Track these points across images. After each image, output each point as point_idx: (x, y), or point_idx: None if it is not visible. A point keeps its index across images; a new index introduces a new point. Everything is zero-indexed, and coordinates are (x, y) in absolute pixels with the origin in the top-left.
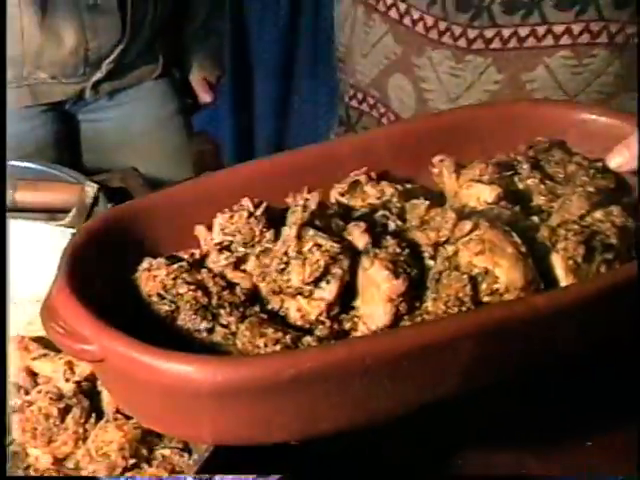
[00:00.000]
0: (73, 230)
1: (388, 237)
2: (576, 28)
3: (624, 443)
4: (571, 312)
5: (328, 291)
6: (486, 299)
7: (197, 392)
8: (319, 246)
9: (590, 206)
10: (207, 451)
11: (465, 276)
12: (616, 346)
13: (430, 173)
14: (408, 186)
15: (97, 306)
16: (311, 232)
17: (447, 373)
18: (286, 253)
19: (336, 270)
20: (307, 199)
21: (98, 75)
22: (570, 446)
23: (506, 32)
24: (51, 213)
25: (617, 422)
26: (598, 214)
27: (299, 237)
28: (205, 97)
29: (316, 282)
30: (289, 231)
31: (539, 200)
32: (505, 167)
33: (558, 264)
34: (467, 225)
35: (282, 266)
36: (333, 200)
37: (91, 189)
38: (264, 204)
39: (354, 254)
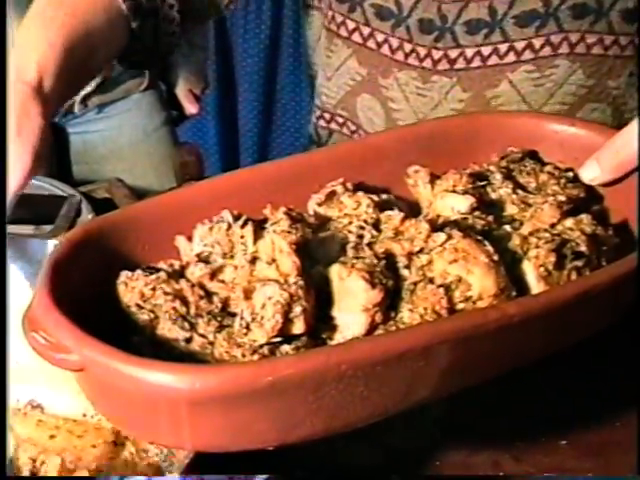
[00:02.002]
0: (56, 241)
1: (365, 248)
2: (537, 42)
3: (599, 442)
4: (542, 318)
5: (297, 327)
6: (460, 306)
7: (175, 400)
8: (270, 298)
9: (561, 215)
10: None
11: (441, 289)
12: (590, 347)
13: (405, 183)
14: (384, 196)
15: (78, 316)
16: (258, 286)
17: (422, 379)
18: (242, 317)
19: (297, 309)
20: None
21: (87, 89)
22: (545, 446)
23: (469, 52)
24: (36, 224)
25: (592, 422)
26: (568, 222)
27: (247, 297)
28: (191, 108)
29: (282, 328)
30: (239, 292)
31: (512, 209)
32: (478, 177)
33: (530, 271)
34: (441, 237)
35: (244, 330)
36: (311, 211)
37: (74, 200)
38: (244, 217)
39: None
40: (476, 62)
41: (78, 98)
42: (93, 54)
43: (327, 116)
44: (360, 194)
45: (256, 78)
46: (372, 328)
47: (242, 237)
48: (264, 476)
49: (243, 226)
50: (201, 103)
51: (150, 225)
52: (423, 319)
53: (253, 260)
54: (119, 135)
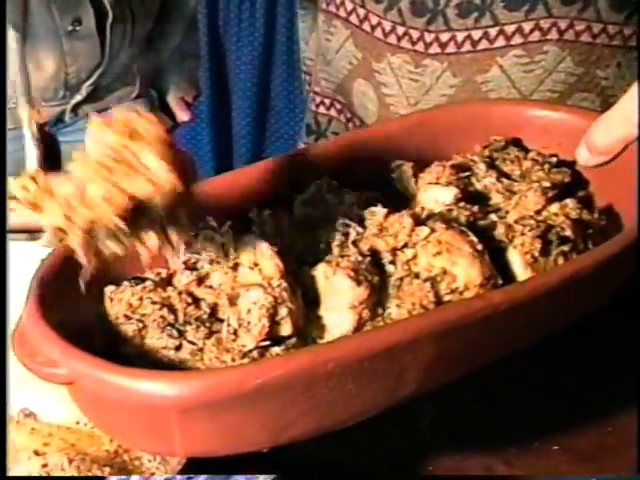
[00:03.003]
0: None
1: (350, 245)
2: (526, 27)
3: (591, 447)
4: (529, 305)
5: (285, 329)
6: (447, 298)
7: (164, 408)
8: (255, 303)
9: (546, 201)
10: None
11: (427, 283)
12: (580, 351)
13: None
14: (368, 193)
15: (67, 329)
16: (242, 292)
17: (410, 373)
18: (229, 324)
19: (283, 311)
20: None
21: (78, 98)
22: (537, 450)
23: (460, 36)
24: (30, 233)
25: (583, 427)
26: (554, 208)
27: (232, 303)
28: (182, 116)
29: (270, 331)
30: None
31: (497, 198)
32: (461, 168)
33: (516, 259)
34: (424, 230)
35: (232, 337)
36: (297, 210)
37: None
38: (228, 223)
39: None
40: (466, 46)
41: (69, 107)
42: None
43: (327, 102)
44: (344, 191)
45: (250, 85)
46: (360, 325)
47: (223, 245)
48: (264, 476)
49: (223, 234)
50: (194, 110)
51: None
52: (411, 314)
53: (235, 266)
54: None
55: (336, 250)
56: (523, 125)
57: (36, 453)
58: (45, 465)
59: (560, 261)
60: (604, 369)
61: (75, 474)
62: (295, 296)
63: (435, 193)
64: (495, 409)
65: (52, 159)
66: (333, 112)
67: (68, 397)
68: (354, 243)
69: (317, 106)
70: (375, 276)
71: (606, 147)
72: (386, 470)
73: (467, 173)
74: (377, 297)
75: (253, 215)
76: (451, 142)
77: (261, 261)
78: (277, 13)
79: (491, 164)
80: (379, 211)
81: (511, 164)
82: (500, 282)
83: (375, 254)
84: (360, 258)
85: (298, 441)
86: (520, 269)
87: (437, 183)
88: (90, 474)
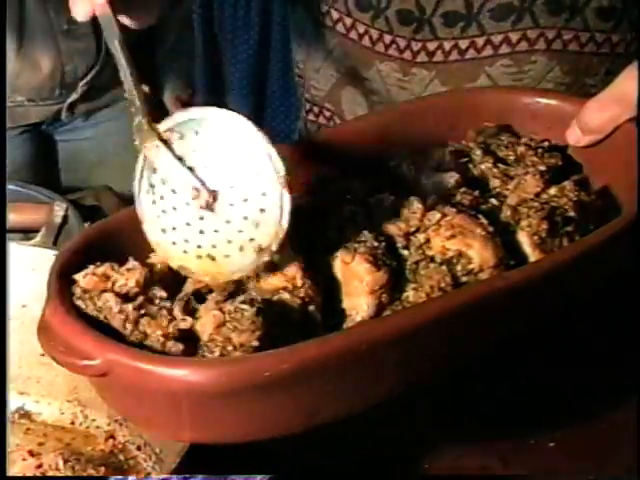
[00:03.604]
0: (43, 249)
1: (365, 232)
2: (514, 37)
3: (587, 444)
4: (544, 284)
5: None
6: (463, 279)
7: (203, 394)
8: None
9: (544, 184)
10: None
11: (444, 266)
12: (576, 347)
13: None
14: (371, 179)
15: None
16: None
17: (436, 353)
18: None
19: (312, 307)
20: None
21: (74, 96)
22: (533, 448)
23: (447, 45)
24: (24, 233)
25: (579, 424)
26: (553, 190)
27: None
28: None
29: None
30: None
31: (494, 183)
32: (459, 155)
33: (525, 241)
34: (436, 215)
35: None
36: (303, 201)
37: (60, 208)
38: None
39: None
40: (454, 55)
41: (65, 106)
42: None
43: (316, 109)
44: (350, 179)
45: (245, 84)
46: (379, 309)
47: None
48: (260, 476)
49: None
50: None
51: None
52: (429, 297)
53: (257, 274)
54: (106, 142)
55: (350, 237)
56: (513, 111)
57: (31, 453)
58: (39, 466)
59: (565, 241)
60: (600, 367)
61: (70, 474)
62: (319, 288)
63: (437, 179)
64: (491, 406)
65: (48, 158)
66: (322, 119)
67: (64, 397)
68: (366, 229)
69: (307, 112)
70: (393, 261)
71: (598, 126)
72: (382, 468)
73: (465, 159)
74: (394, 281)
75: None
76: (443, 129)
77: (280, 261)
78: (272, 11)
79: (487, 150)
80: (386, 198)
81: (505, 149)
82: (512, 263)
83: (388, 239)
84: (376, 244)
85: (328, 423)
86: (529, 250)
87: (438, 169)
88: (85, 474)
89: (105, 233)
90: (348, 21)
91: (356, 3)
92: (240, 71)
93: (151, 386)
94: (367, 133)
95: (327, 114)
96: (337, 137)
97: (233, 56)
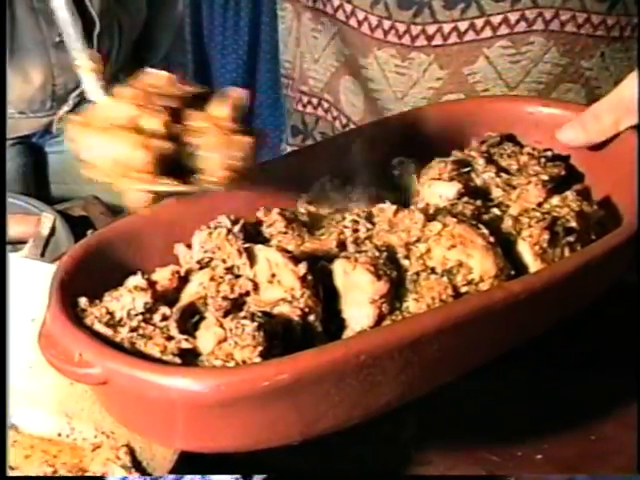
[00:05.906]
0: (31, 260)
1: (366, 241)
2: (512, 17)
3: (574, 456)
4: (544, 295)
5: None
6: (463, 290)
7: (201, 404)
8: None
9: (546, 193)
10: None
11: (444, 277)
12: (563, 357)
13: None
14: (372, 189)
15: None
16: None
17: (435, 364)
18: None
19: (311, 317)
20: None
21: (65, 108)
22: (521, 460)
23: (446, 28)
24: (12, 245)
25: (566, 435)
26: (555, 200)
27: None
28: None
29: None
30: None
31: (497, 193)
32: (462, 164)
33: (526, 251)
34: (437, 225)
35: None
36: (302, 210)
37: (47, 219)
38: (241, 221)
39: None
40: (453, 38)
41: (56, 118)
42: None
43: (315, 101)
44: (349, 188)
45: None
46: (380, 319)
47: (238, 268)
48: (263, 476)
49: (240, 255)
50: None
51: (148, 235)
52: (430, 308)
53: (255, 287)
54: None
55: (351, 247)
56: (516, 120)
57: (11, 468)
58: None
59: (567, 252)
60: (587, 377)
61: None
62: (318, 298)
63: (439, 189)
64: (477, 419)
65: (38, 169)
66: (320, 111)
67: (51, 409)
68: (367, 239)
69: (304, 106)
70: (393, 271)
71: (598, 130)
72: (372, 473)
73: (467, 169)
74: (395, 291)
75: (261, 214)
76: (445, 138)
77: (278, 272)
78: (261, 22)
79: (489, 159)
80: (388, 207)
81: (508, 159)
82: (513, 273)
83: (389, 249)
84: (377, 253)
85: (327, 433)
86: (530, 260)
87: (440, 179)
88: None
89: (105, 242)
90: (348, 8)
91: None
92: (229, 81)
93: (150, 395)
94: (368, 142)
95: (325, 105)
96: (338, 145)
97: (222, 66)
